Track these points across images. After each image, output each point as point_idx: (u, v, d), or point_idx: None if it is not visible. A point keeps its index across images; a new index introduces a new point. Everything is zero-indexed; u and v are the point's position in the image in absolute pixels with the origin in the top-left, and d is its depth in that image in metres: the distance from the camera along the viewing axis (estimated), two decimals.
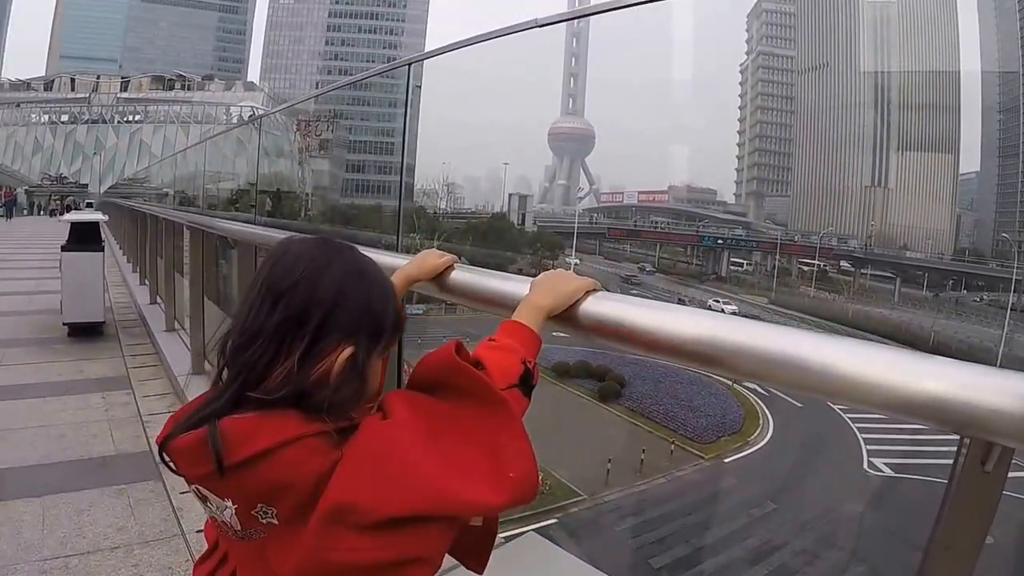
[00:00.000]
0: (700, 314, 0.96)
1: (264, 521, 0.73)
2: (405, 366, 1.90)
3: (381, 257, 1.66)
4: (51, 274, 7.78)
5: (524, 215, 64.82)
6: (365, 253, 0.90)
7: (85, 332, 6.20)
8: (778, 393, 21.93)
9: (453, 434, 0.77)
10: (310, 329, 0.78)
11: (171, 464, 0.77)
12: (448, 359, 0.82)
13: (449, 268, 1.33)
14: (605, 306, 1.04)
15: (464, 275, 1.33)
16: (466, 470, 0.74)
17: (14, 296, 8.40)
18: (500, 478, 0.74)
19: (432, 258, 1.32)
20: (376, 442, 0.74)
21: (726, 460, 21.04)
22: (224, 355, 0.80)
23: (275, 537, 0.74)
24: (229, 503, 0.74)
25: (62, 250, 6.28)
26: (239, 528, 0.75)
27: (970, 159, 62.31)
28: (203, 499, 0.77)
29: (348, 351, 0.79)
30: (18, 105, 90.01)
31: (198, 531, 2.75)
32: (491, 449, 0.76)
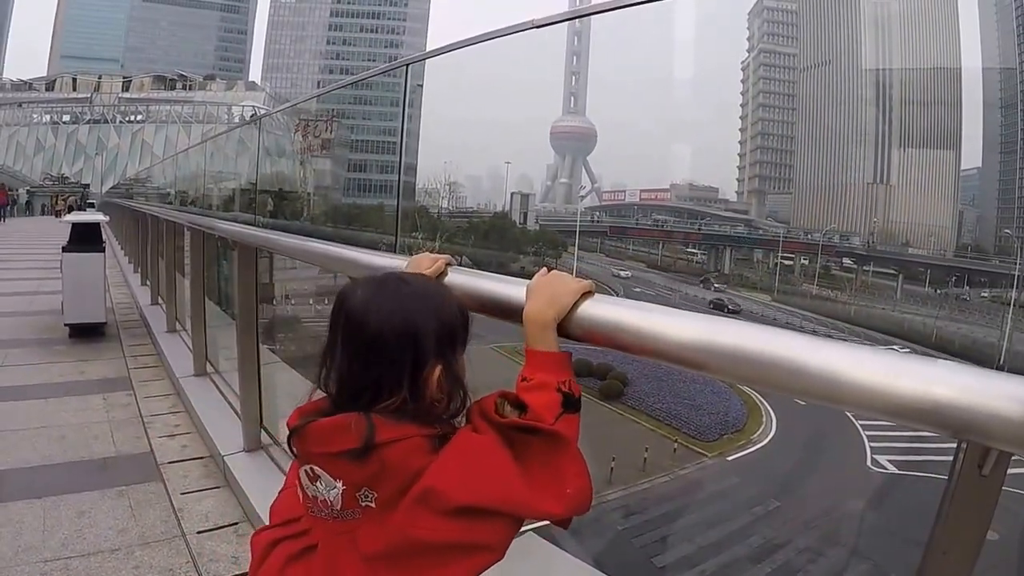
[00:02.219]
0: (696, 318, 0.95)
1: (363, 504, 0.86)
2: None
3: (378, 259, 1.68)
4: (52, 275, 7.79)
5: (526, 214, 64.90)
6: (406, 276, 1.05)
7: (86, 333, 6.19)
8: None
9: (525, 457, 0.90)
10: (407, 369, 0.90)
11: (294, 447, 0.91)
12: (492, 413, 0.95)
13: (442, 273, 1.27)
14: (602, 310, 1.03)
15: (459, 278, 1.26)
16: (535, 484, 0.88)
17: (15, 297, 8.40)
18: (560, 493, 0.89)
19: (425, 261, 1.28)
20: (467, 444, 0.89)
21: (729, 458, 21.06)
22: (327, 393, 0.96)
23: (368, 519, 0.86)
24: (340, 484, 0.87)
25: (63, 251, 6.27)
26: (339, 508, 0.87)
27: (972, 155, 62.16)
28: (313, 478, 0.89)
29: (439, 369, 0.92)
30: (20, 105, 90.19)
31: (199, 532, 2.76)
32: (554, 470, 0.91)
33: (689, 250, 67.86)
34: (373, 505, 0.86)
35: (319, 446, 0.88)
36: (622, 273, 56.55)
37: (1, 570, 2.44)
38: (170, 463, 3.52)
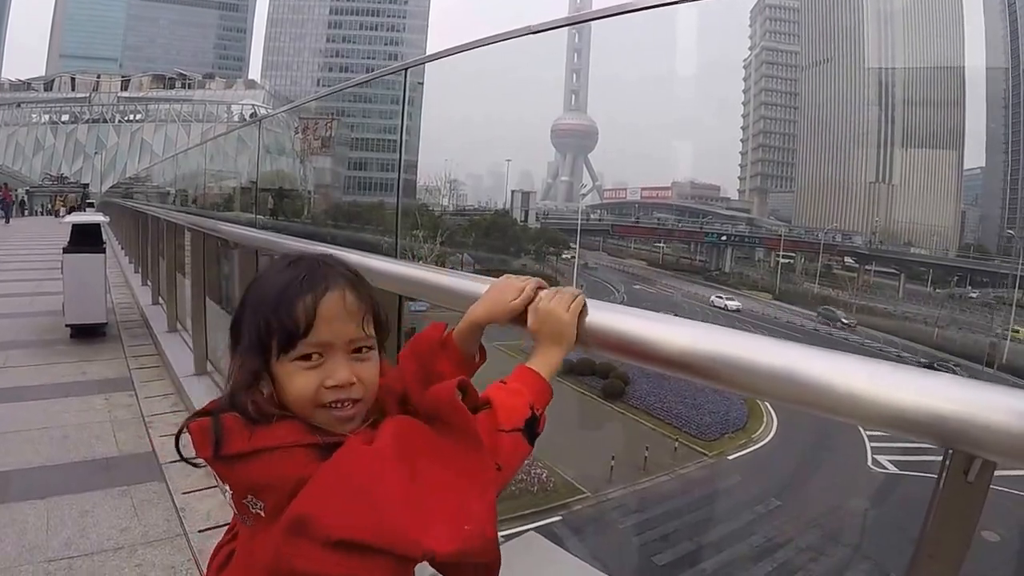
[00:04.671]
0: (690, 325, 0.96)
1: (253, 511, 0.79)
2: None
3: (373, 263, 1.71)
4: (53, 275, 7.79)
5: (527, 212, 64.77)
6: (307, 257, 0.90)
7: (87, 333, 6.20)
8: None
9: (431, 472, 0.78)
10: (262, 356, 0.84)
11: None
12: (447, 396, 0.85)
13: (530, 302, 1.07)
14: (598, 317, 1.05)
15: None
16: (426, 509, 0.75)
17: (16, 298, 8.41)
18: (456, 528, 0.75)
19: (511, 290, 1.08)
20: (347, 463, 0.77)
21: (730, 457, 21.05)
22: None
23: (261, 528, 0.79)
24: (228, 488, 0.82)
25: (63, 252, 6.28)
26: (236, 512, 0.83)
27: (975, 155, 61.95)
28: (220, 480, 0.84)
29: (238, 362, 0.85)
30: (19, 105, 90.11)
31: (200, 531, 2.78)
32: (460, 497, 0.78)
33: (688, 253, 67.61)
34: (262, 514, 0.78)
35: (197, 449, 0.81)
36: (729, 304, 45.38)
37: (5, 570, 2.46)
38: (172, 462, 3.53)
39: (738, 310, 43.85)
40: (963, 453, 0.71)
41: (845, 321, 41.37)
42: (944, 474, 0.74)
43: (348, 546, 0.73)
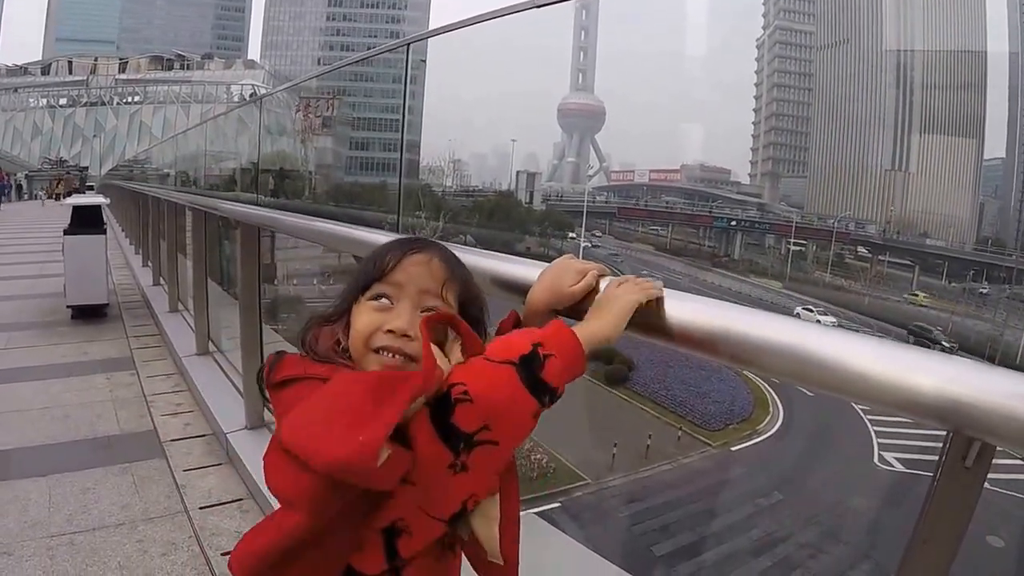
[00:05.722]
0: (701, 301, 0.96)
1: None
2: None
3: (383, 238, 1.71)
4: (54, 257, 7.81)
5: (532, 193, 64.23)
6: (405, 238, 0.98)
7: (89, 314, 6.28)
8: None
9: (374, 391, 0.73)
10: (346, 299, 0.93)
11: None
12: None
13: (593, 290, 1.00)
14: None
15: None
16: (336, 425, 0.69)
17: (18, 280, 8.45)
18: (350, 438, 0.67)
19: (570, 274, 1.00)
20: (325, 385, 0.77)
21: (734, 448, 20.82)
22: None
23: None
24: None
25: (64, 234, 6.30)
26: None
27: (995, 145, 59.95)
28: None
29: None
30: (16, 90, 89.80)
31: (201, 508, 2.81)
32: (372, 409, 0.70)
33: (698, 238, 66.62)
34: None
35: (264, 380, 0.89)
36: (823, 320, 31.45)
37: (8, 545, 2.48)
38: (173, 441, 3.57)
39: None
40: (962, 437, 0.71)
41: (947, 344, 31.79)
42: (943, 459, 0.74)
43: (291, 456, 0.70)
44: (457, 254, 0.97)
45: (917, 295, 45.40)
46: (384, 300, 0.87)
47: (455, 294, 0.90)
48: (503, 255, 1.25)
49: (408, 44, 2.93)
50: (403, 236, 0.99)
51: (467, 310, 0.92)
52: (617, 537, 15.26)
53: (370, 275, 0.89)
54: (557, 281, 1.00)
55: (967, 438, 0.70)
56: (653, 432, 20.61)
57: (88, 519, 2.71)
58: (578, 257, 1.05)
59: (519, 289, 1.08)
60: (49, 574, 2.34)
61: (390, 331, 0.84)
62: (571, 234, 56.18)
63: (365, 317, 0.86)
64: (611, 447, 18.82)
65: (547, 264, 1.06)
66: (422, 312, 0.85)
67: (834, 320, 33.17)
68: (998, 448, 0.69)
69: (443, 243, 0.99)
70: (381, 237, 1.72)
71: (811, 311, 36.68)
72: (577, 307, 0.98)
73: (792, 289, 48.15)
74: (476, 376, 0.75)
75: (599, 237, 63.08)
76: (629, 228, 69.97)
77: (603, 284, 0.98)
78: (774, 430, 21.93)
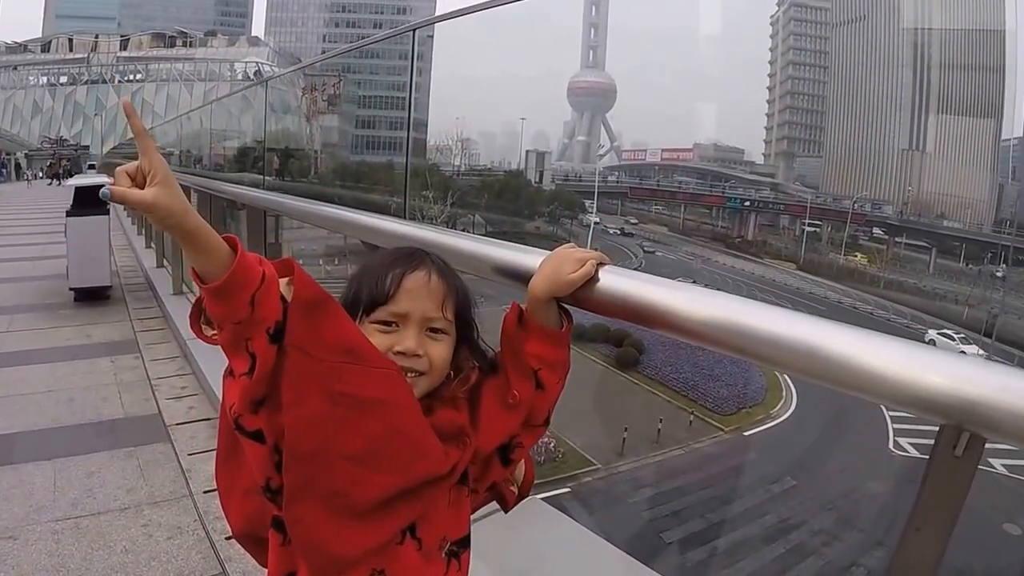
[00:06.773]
0: (707, 294, 0.98)
1: None
2: None
3: (386, 224, 1.76)
4: (56, 239, 7.80)
5: (542, 173, 63.39)
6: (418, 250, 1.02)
7: (92, 297, 6.26)
8: None
9: None
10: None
11: None
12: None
13: (591, 279, 1.04)
14: (609, 280, 1.04)
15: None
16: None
17: (20, 262, 8.45)
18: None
19: (569, 264, 1.03)
20: None
21: (746, 433, 20.51)
22: None
23: None
24: None
25: (67, 215, 6.26)
26: None
27: (1014, 124, 58.93)
28: None
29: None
30: (15, 68, 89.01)
31: (206, 492, 2.80)
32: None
33: (710, 219, 65.66)
34: None
35: None
36: (966, 349, 23.33)
37: (14, 529, 2.49)
38: (178, 424, 3.56)
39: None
40: (952, 427, 0.73)
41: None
42: (936, 448, 0.77)
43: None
44: (462, 244, 1.00)
45: (856, 255, 48.07)
46: (391, 325, 0.94)
47: (453, 304, 0.98)
48: (505, 243, 1.29)
49: (414, 30, 2.89)
50: (396, 251, 1.02)
51: (462, 315, 1.00)
52: (627, 523, 15.05)
53: (373, 298, 0.94)
54: (557, 269, 1.04)
55: (957, 428, 0.73)
56: (664, 416, 20.27)
57: (93, 503, 2.72)
58: (588, 237, 1.04)
59: (521, 277, 1.12)
60: (55, 558, 2.32)
61: (400, 352, 0.92)
62: (594, 219, 55.31)
63: (375, 339, 0.91)
64: (621, 432, 18.56)
65: (548, 252, 1.10)
66: (427, 332, 0.95)
67: (979, 351, 26.14)
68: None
69: (433, 253, 1.04)
70: (385, 223, 1.77)
71: (952, 339, 28.69)
72: (577, 295, 1.03)
73: (807, 271, 47.60)
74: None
75: (634, 225, 61.73)
76: (642, 209, 69.18)
77: (602, 273, 1.04)
78: (788, 415, 21.57)
